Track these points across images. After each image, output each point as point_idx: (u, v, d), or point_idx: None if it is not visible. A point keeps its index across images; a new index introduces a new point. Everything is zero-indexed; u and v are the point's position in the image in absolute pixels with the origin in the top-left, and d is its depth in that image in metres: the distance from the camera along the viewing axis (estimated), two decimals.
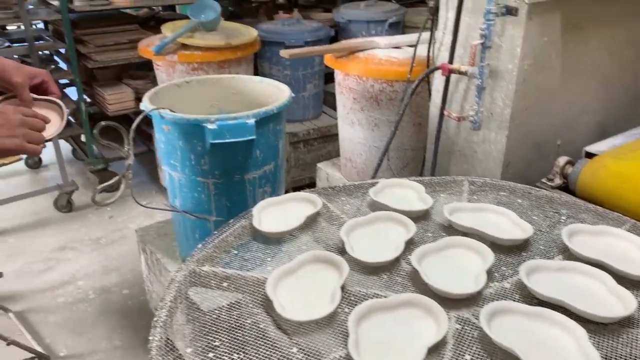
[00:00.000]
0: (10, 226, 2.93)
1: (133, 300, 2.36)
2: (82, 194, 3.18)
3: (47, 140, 1.10)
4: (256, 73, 3.01)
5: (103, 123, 1.47)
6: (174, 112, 1.53)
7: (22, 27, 2.97)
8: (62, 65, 3.43)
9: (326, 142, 3.17)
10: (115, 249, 2.73)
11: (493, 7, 1.33)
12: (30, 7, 2.85)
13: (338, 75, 2.21)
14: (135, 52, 2.88)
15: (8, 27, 3.64)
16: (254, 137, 1.51)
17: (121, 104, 3.06)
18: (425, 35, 1.76)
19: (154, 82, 3.19)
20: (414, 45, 1.85)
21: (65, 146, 3.52)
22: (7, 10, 2.79)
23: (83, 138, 3.29)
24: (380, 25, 3.22)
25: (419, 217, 1.26)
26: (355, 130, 2.21)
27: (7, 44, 2.86)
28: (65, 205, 3.05)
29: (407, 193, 1.35)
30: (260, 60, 3.07)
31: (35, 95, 1.13)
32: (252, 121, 1.50)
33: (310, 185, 3.07)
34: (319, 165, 2.61)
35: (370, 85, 2.05)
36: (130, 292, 2.41)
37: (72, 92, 3.41)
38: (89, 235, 2.86)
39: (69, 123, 3.26)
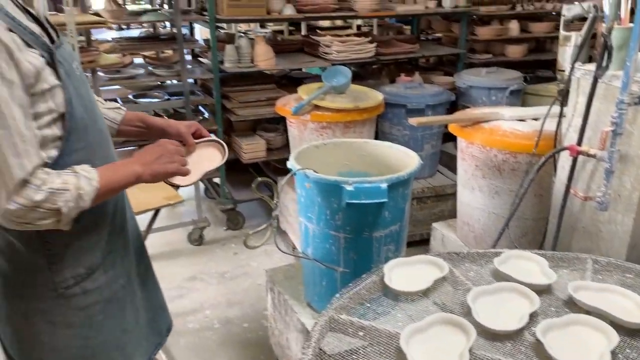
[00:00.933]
0: (151, 254, 3.28)
1: (252, 334, 2.58)
2: (210, 229, 3.53)
3: (211, 170, 1.39)
4: (376, 132, 3.22)
5: (260, 179, 1.71)
6: (316, 172, 1.74)
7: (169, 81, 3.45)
8: (204, 113, 3.89)
9: (440, 201, 3.26)
10: (239, 284, 3.00)
11: (626, 98, 1.41)
12: (188, 66, 3.31)
13: (461, 142, 2.33)
14: (271, 109, 3.22)
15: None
16: (385, 200, 1.67)
17: (254, 153, 3.40)
18: (550, 109, 1.84)
19: (283, 135, 3.52)
20: (540, 119, 1.93)
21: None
22: (169, 69, 3.27)
23: (216, 179, 3.68)
24: (501, 92, 3.31)
25: (542, 290, 1.33)
26: (475, 196, 2.30)
27: (166, 97, 3.34)
28: (197, 239, 3.40)
29: (531, 266, 1.42)
30: (381, 119, 3.27)
31: (196, 141, 1.42)
32: (385, 185, 1.67)
33: (422, 242, 3.16)
34: (435, 225, 2.71)
35: (493, 155, 2.15)
36: (250, 326, 2.64)
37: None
38: (216, 268, 3.16)
39: None
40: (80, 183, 1.05)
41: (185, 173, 1.28)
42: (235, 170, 3.88)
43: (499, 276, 1.38)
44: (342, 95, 2.91)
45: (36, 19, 1.12)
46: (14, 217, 1.00)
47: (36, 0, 1.19)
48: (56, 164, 1.08)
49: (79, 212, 1.07)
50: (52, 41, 1.11)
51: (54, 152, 1.08)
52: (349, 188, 1.66)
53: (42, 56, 1.04)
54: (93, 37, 3.59)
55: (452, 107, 3.41)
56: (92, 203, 1.09)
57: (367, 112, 2.84)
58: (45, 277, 1.16)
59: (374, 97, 2.95)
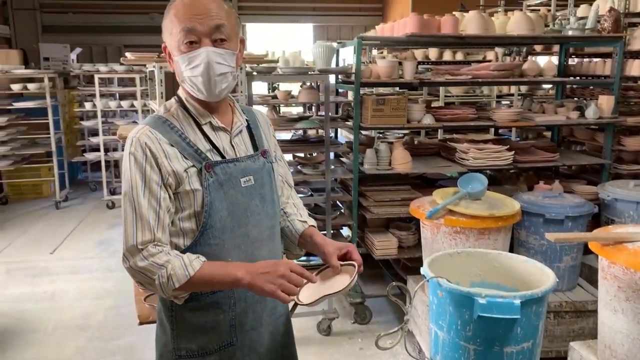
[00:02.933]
0: None
1: None
2: (338, 321, 3.65)
3: (335, 294, 1.38)
4: (512, 239, 3.19)
5: (394, 283, 1.83)
6: (449, 281, 1.83)
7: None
8: (341, 209, 4.16)
9: (579, 317, 3.07)
10: None
11: None
12: (331, 167, 3.64)
13: (602, 261, 2.26)
14: (405, 209, 3.37)
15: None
16: (518, 316, 1.69)
17: (386, 250, 3.53)
18: None
19: (415, 235, 3.63)
20: None
21: None
22: (315, 169, 3.62)
23: None
24: None
25: None
26: (618, 319, 2.18)
27: (310, 193, 3.67)
28: (325, 329, 3.54)
29: None
30: (517, 227, 3.24)
31: (341, 262, 1.49)
32: (518, 302, 1.70)
33: (557, 359, 2.98)
34: (573, 344, 2.56)
35: (639, 277, 2.06)
36: None
37: (344, 232, 4.07)
38: None
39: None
40: (175, 266, 1.30)
41: (281, 300, 1.28)
42: (366, 264, 4.00)
43: None
44: (477, 201, 2.98)
45: (211, 141, 1.43)
46: (130, 274, 1.32)
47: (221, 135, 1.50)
48: (189, 251, 1.36)
49: (173, 290, 1.30)
50: (223, 156, 1.42)
51: (188, 241, 1.38)
52: (482, 301, 1.72)
53: (194, 166, 1.36)
54: None
55: (595, 219, 3.28)
56: (185, 287, 1.30)
57: (503, 220, 2.86)
58: (169, 338, 1.44)
59: (510, 205, 2.97)
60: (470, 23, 3.47)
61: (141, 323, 2.13)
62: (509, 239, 3.03)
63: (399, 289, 3.57)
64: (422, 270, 1.96)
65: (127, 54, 2.48)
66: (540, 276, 1.95)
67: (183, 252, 1.36)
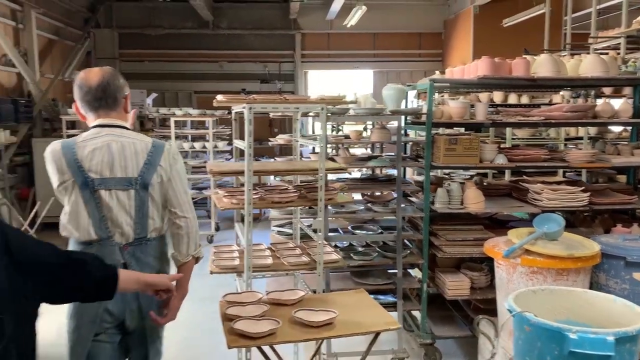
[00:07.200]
0: None
1: None
2: None
3: None
4: (590, 283, 3.09)
5: (480, 317, 1.85)
6: (536, 316, 1.82)
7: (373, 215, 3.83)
8: (410, 247, 4.15)
9: None
10: None
11: None
12: (402, 205, 3.68)
13: None
14: (477, 249, 3.35)
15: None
16: (612, 353, 1.66)
17: (458, 290, 3.50)
18: None
19: (487, 276, 3.58)
20: None
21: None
22: (384, 206, 3.68)
23: (415, 312, 3.81)
24: None
25: None
26: None
27: (380, 231, 3.72)
28: None
29: None
30: (596, 270, 3.15)
31: None
32: (612, 339, 1.67)
33: None
34: None
35: None
36: None
37: (415, 272, 4.07)
38: None
39: (407, 297, 3.86)
40: None
41: None
42: (435, 305, 3.98)
43: None
44: (554, 241, 2.94)
45: None
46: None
47: None
48: None
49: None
50: None
51: None
52: (573, 337, 1.70)
53: None
54: None
55: None
56: None
57: (582, 261, 2.80)
58: None
59: (589, 246, 2.91)
60: (541, 65, 3.51)
61: None
62: (588, 282, 2.95)
63: (470, 331, 3.50)
64: (507, 305, 1.96)
65: (218, 96, 2.69)
66: (631, 316, 1.91)
67: None
